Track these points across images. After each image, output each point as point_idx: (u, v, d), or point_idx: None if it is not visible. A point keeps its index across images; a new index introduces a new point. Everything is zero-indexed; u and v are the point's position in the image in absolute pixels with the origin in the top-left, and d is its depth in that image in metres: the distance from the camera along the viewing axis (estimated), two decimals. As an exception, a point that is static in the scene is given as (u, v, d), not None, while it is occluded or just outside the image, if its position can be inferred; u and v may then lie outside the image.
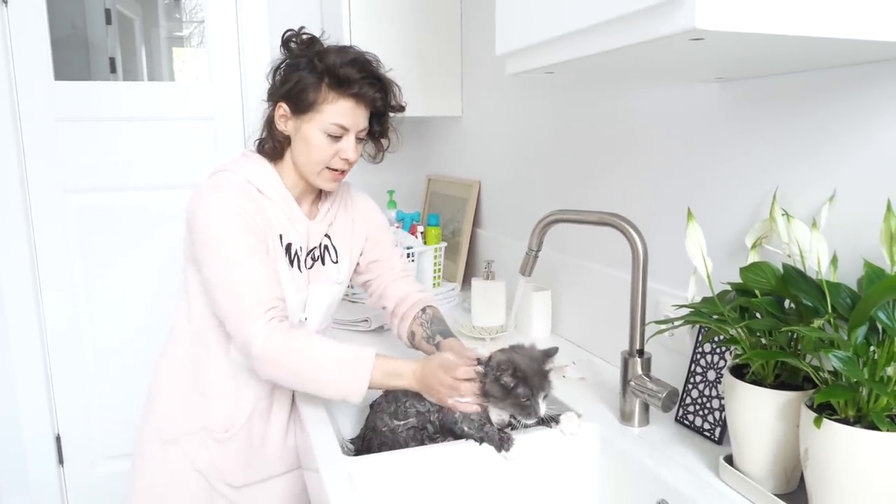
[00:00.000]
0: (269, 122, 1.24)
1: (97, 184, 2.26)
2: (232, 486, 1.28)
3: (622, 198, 1.36)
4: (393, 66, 2.11)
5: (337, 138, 1.18)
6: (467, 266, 2.10)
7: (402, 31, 2.13)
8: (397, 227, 1.95)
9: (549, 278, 1.64)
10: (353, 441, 1.21)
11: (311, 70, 1.16)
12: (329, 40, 1.24)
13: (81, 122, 2.22)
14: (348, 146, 1.19)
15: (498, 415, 1.06)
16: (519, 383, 1.02)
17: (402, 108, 1.28)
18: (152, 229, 2.32)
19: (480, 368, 1.08)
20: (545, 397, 1.04)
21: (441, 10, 2.16)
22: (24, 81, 2.14)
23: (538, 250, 1.21)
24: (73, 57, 2.81)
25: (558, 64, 0.84)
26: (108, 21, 2.88)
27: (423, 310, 1.35)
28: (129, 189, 2.29)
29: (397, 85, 1.26)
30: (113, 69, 2.91)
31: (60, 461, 2.36)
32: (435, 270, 1.95)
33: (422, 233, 1.95)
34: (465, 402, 1.06)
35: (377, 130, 1.27)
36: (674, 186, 1.21)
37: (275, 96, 1.22)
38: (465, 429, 1.05)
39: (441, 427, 1.08)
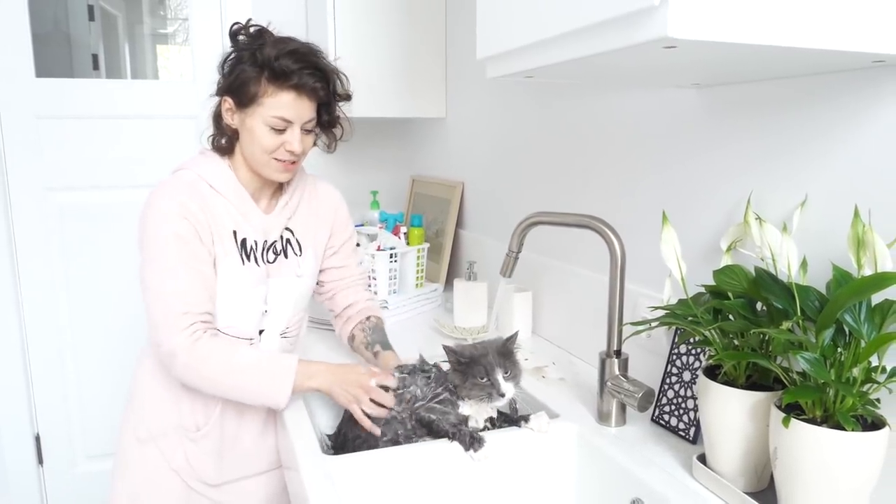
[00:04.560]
0: (217, 117, 1.25)
1: (78, 182, 2.25)
2: (208, 485, 1.28)
3: (602, 200, 1.38)
4: (377, 66, 2.14)
5: (281, 131, 1.18)
6: (450, 267, 2.11)
7: (387, 32, 2.14)
8: (380, 228, 1.96)
9: (530, 280, 1.65)
10: (331, 437, 1.22)
11: (252, 63, 1.15)
12: (278, 32, 1.21)
13: (63, 119, 2.20)
14: (293, 138, 1.18)
15: (474, 419, 1.07)
16: (471, 363, 1.04)
17: (347, 97, 1.27)
18: (134, 228, 2.30)
19: (394, 382, 1.13)
20: (508, 377, 1.05)
21: (426, 12, 2.17)
22: (4, 78, 2.11)
23: (518, 252, 1.23)
24: (56, 54, 2.78)
25: (537, 69, 0.85)
26: (91, 17, 2.85)
27: (368, 318, 1.40)
28: (110, 187, 2.28)
29: (343, 74, 1.25)
30: (96, 66, 2.89)
31: (40, 461, 2.34)
32: (418, 271, 1.95)
33: (405, 233, 1.96)
34: (373, 413, 1.11)
35: (325, 120, 1.26)
36: (652, 190, 1.22)
37: (220, 90, 1.22)
38: (441, 424, 1.06)
39: (418, 422, 1.09)
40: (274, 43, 1.16)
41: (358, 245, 1.49)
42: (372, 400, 1.12)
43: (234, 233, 1.22)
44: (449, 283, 2.03)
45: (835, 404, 0.75)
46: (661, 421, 1.11)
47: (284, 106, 1.16)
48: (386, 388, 1.13)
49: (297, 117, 1.18)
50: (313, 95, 1.18)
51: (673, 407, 1.09)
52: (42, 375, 2.29)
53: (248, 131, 1.19)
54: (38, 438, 2.32)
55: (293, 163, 1.22)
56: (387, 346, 1.35)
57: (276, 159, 1.20)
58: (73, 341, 2.31)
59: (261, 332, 1.27)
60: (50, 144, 2.20)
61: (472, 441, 1.03)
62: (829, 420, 0.75)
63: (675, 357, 1.10)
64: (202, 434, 1.25)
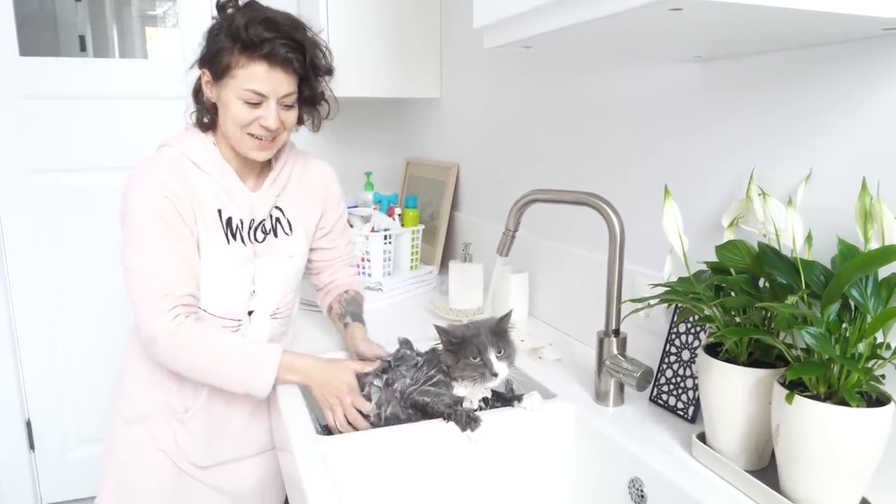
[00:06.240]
0: (197, 91, 1.21)
1: (66, 163, 2.21)
2: (198, 467, 1.26)
3: (601, 179, 1.35)
4: (370, 46, 2.11)
5: (255, 104, 1.12)
6: (445, 249, 2.09)
7: (381, 12, 2.10)
8: (375, 209, 1.93)
9: (527, 260, 1.63)
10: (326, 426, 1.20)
11: (227, 33, 1.10)
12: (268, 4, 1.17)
13: (50, 99, 2.16)
14: (268, 113, 1.12)
15: (468, 400, 1.06)
16: (463, 343, 1.03)
17: (329, 71, 1.21)
18: (124, 210, 2.28)
19: (370, 408, 1.11)
20: (502, 356, 1.03)
21: (420, -11, 2.13)
22: (-13, 57, 2.07)
23: (515, 230, 1.20)
24: (42, 35, 2.73)
25: (536, 36, 0.82)
26: (77, -3, 2.80)
27: (346, 291, 1.39)
28: (98, 169, 2.24)
29: (325, 47, 1.20)
30: (83, 48, 2.84)
31: (31, 446, 2.32)
32: (412, 253, 1.93)
33: (399, 215, 1.93)
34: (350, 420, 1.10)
35: (307, 95, 1.20)
36: (652, 166, 1.20)
37: (198, 62, 1.18)
38: (436, 406, 1.04)
39: (412, 406, 1.07)
40: (244, 10, 1.12)
41: (352, 226, 1.47)
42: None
43: (219, 211, 1.18)
44: (444, 266, 2.01)
45: (839, 380, 0.74)
46: (659, 400, 1.09)
47: (257, 79, 1.11)
48: (365, 415, 1.11)
49: (271, 91, 1.12)
50: (288, 67, 1.12)
51: (672, 386, 1.07)
52: (32, 360, 2.27)
53: (223, 105, 1.15)
54: (28, 424, 2.30)
55: (271, 140, 1.17)
56: (357, 317, 1.33)
57: (250, 135, 1.15)
58: (62, 325, 2.29)
59: (250, 313, 1.24)
60: (37, 125, 2.16)
61: (468, 421, 1.01)
62: (833, 396, 0.74)
63: (673, 336, 1.09)
64: (190, 415, 1.23)
